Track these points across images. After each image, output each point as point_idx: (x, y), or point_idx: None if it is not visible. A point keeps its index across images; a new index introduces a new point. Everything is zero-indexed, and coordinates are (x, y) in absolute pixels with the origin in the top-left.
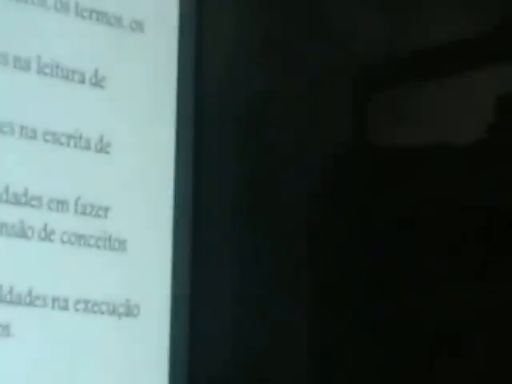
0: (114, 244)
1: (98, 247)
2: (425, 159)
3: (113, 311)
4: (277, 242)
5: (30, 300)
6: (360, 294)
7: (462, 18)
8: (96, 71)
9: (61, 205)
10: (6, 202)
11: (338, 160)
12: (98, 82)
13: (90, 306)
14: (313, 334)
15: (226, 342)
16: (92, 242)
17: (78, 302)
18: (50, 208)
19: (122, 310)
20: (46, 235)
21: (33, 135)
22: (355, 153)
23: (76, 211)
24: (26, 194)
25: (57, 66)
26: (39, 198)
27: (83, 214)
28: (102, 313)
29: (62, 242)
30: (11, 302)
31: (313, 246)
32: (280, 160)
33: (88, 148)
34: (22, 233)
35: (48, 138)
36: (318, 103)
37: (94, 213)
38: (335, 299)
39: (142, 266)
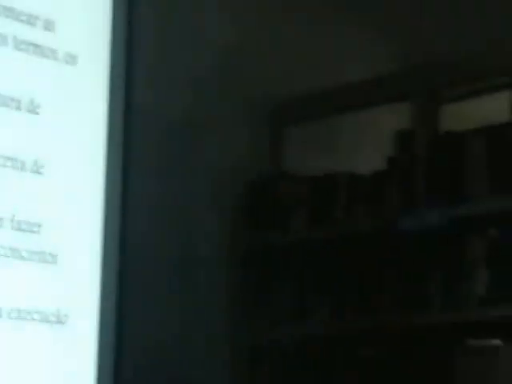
0: (46, 257)
1: (32, 260)
2: (332, 185)
3: (45, 319)
4: (197, 250)
5: None
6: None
7: (364, 63)
8: (32, 99)
9: None
10: None
11: (255, 184)
12: (33, 109)
13: (23, 315)
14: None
15: (151, 350)
16: (26, 255)
17: (11, 310)
18: None
19: (53, 318)
20: None
21: None
22: (271, 178)
23: (12, 227)
24: None
25: None
26: None
27: (18, 229)
28: (34, 320)
29: None
30: None
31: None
32: (202, 184)
33: (23, 169)
34: None
35: None
36: (238, 134)
37: (28, 229)
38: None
39: (73, 277)
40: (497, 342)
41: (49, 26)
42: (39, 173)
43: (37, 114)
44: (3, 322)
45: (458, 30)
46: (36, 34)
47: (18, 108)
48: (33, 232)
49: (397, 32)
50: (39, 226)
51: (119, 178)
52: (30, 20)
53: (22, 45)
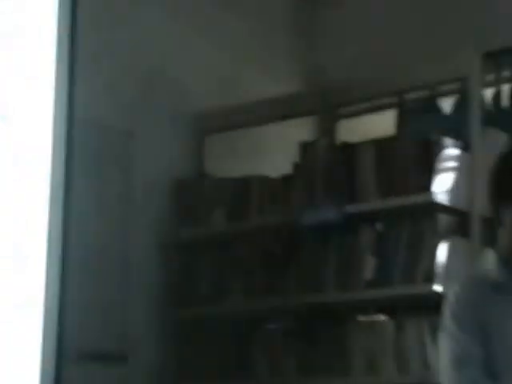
0: None
1: None
2: (246, 186)
3: None
4: (132, 238)
5: None
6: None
7: (276, 83)
8: None
9: None
10: None
11: (181, 185)
12: None
13: None
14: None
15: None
16: None
17: None
18: None
19: None
20: None
21: None
22: (195, 180)
23: None
24: None
25: None
26: None
27: None
28: None
29: None
30: None
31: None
32: (137, 183)
33: None
34: None
35: None
36: (166, 143)
37: None
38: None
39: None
40: (381, 317)
41: None
42: None
43: None
44: None
45: (352, 59)
46: None
47: None
48: None
49: (303, 58)
50: None
51: (63, 183)
52: None
53: None
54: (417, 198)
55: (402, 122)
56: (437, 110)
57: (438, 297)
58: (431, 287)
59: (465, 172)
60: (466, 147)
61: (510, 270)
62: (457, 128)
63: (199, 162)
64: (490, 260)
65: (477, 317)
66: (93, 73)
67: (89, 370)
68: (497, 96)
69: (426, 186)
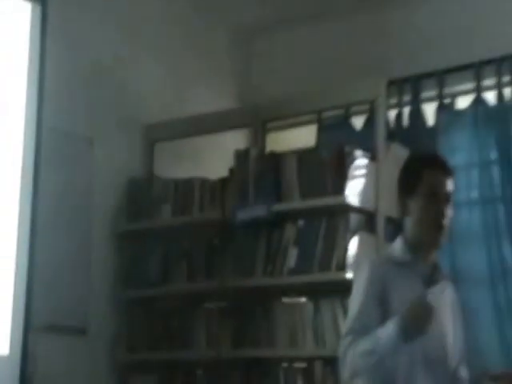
0: None
1: None
2: (190, 187)
3: None
4: (92, 229)
5: None
6: None
7: (214, 100)
8: None
9: None
10: None
11: (133, 183)
12: None
13: None
14: None
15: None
16: None
17: None
18: None
19: None
20: None
21: None
22: (145, 180)
23: None
24: None
25: None
26: None
27: None
28: None
29: None
30: None
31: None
32: (94, 182)
33: None
34: None
35: None
36: (121, 147)
37: None
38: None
39: None
40: (301, 299)
41: None
42: None
43: None
44: None
45: (280, 82)
46: None
47: None
48: None
49: (240, 80)
50: None
51: (32, 175)
52: None
53: None
54: (332, 200)
55: (320, 135)
56: (349, 126)
57: (349, 282)
58: (343, 274)
59: (372, 178)
60: (372, 158)
61: (412, 252)
62: (366, 142)
63: (149, 165)
64: (396, 245)
65: (382, 286)
66: (60, 90)
67: (53, 340)
68: (399, 116)
69: (339, 190)
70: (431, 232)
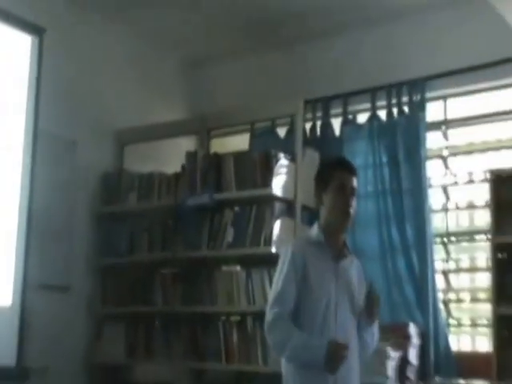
0: None
1: None
2: (151, 179)
3: None
4: (74, 213)
5: None
6: None
7: (171, 111)
8: None
9: None
10: None
11: (107, 176)
12: None
13: None
14: None
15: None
16: None
17: None
18: None
19: None
20: None
21: None
22: (116, 174)
23: None
24: None
25: None
26: None
27: None
28: None
29: None
30: None
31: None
32: (73, 176)
33: None
34: None
35: None
36: (96, 148)
37: None
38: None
39: None
40: (236, 268)
41: None
42: None
43: None
44: None
45: (223, 99)
46: None
47: None
48: None
49: (191, 96)
50: None
51: (29, 168)
52: None
53: None
54: (261, 191)
55: (252, 141)
56: (275, 135)
57: (274, 255)
58: (269, 249)
59: (291, 175)
60: (292, 159)
61: (325, 234)
62: (287, 147)
63: (120, 163)
64: (313, 229)
65: (303, 262)
66: (52, 103)
67: (43, 296)
68: (313, 128)
69: (266, 184)
70: (340, 218)
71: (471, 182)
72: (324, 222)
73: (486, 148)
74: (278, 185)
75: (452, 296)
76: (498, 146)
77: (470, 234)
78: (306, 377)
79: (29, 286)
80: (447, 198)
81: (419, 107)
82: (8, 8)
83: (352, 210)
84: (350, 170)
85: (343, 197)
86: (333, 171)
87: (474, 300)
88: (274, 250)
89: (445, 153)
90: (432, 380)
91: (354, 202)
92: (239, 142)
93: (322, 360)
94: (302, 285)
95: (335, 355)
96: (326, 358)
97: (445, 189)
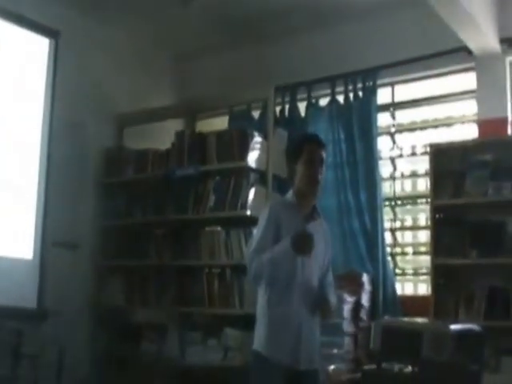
0: None
1: None
2: (145, 154)
3: None
4: (78, 186)
5: None
6: None
7: (163, 97)
8: None
9: None
10: None
11: (109, 152)
12: None
13: None
14: None
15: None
16: None
17: None
18: None
19: None
20: None
21: None
22: (116, 151)
23: None
24: None
25: None
26: None
27: None
28: None
29: None
30: None
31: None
32: (81, 155)
33: None
34: None
35: None
36: (100, 130)
37: None
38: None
39: None
40: (217, 228)
41: None
42: None
43: None
44: None
45: (206, 86)
46: None
47: None
48: None
49: (180, 84)
50: None
51: (46, 145)
52: None
53: None
54: (238, 164)
55: (231, 122)
56: (250, 116)
57: (249, 218)
58: (245, 212)
59: (264, 150)
60: (265, 137)
61: (298, 198)
62: (261, 127)
63: (120, 141)
64: (288, 194)
65: (277, 221)
66: (64, 92)
67: (55, 251)
68: (282, 111)
69: (243, 157)
70: (310, 185)
71: (414, 154)
72: (297, 189)
73: (426, 126)
74: (253, 158)
75: (398, 250)
76: (436, 124)
77: (413, 198)
78: (276, 314)
79: (46, 243)
80: (394, 168)
81: (371, 92)
82: (28, 14)
83: (320, 178)
84: (318, 143)
85: (312, 167)
86: (303, 145)
87: (416, 253)
88: (248, 213)
89: (392, 130)
90: (381, 319)
91: (322, 171)
92: (220, 123)
93: (288, 245)
94: (275, 235)
95: (300, 237)
96: (292, 241)
97: (392, 160)
